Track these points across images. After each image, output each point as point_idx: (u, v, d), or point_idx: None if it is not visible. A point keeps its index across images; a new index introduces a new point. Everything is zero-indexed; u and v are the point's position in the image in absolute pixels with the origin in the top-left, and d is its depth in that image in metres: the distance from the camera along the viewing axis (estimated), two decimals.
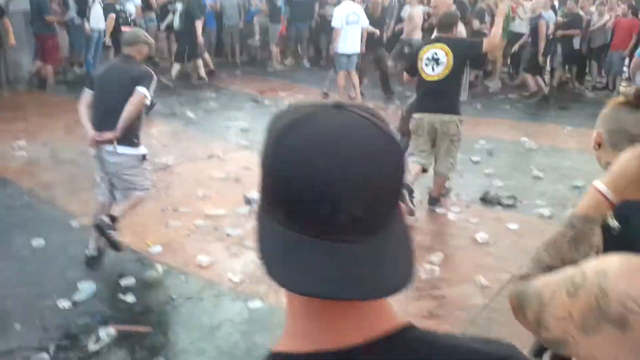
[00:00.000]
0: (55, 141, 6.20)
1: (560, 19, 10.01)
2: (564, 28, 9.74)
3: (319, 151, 0.57)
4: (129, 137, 3.56)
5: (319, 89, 8.87)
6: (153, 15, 10.46)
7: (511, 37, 10.05)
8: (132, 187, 3.70)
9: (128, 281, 3.52)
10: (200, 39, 9.11)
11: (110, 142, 3.49)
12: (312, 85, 9.44)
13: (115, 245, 3.65)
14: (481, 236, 4.28)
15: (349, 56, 7.89)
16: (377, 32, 8.51)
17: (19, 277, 3.53)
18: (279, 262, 0.59)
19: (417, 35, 8.70)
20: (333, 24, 7.92)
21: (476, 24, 9.04)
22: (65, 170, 5.37)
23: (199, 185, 5.23)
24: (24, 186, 4.91)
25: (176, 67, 9.06)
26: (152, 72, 3.69)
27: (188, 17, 8.91)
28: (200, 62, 9.37)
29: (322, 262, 0.57)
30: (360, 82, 8.49)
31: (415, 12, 8.97)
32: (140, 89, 3.49)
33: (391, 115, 8.23)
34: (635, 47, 8.99)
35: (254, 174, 5.45)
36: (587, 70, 10.84)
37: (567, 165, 6.12)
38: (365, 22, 7.99)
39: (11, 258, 3.76)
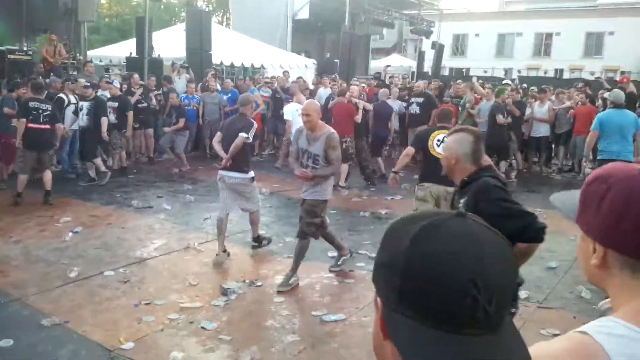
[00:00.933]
0: (27, 239, 6.11)
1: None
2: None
3: (458, 253, 0.63)
4: (240, 164, 5.57)
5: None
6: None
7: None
8: (246, 198, 5.71)
9: None
10: (105, 136, 8.98)
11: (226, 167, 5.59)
12: (287, 176, 9.60)
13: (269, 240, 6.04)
14: None
15: None
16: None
17: None
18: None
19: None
20: (285, 117, 9.18)
21: (500, 118, 9.62)
22: (36, 269, 5.25)
23: (174, 278, 5.15)
24: None
25: (91, 166, 8.96)
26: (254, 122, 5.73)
27: (96, 115, 8.83)
28: (97, 161, 8.99)
29: (474, 354, 0.62)
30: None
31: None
32: (242, 134, 5.47)
33: (368, 201, 8.45)
34: None
35: (231, 265, 5.42)
36: (553, 155, 11.39)
37: (540, 247, 6.20)
38: None
39: None
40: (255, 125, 5.76)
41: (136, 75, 11.27)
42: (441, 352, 0.62)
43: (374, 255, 5.75)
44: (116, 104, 9.49)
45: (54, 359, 3.63)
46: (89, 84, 9.08)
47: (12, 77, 10.48)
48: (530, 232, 2.57)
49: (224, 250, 5.61)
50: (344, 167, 8.86)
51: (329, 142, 4.67)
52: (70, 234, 6.21)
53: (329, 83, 12.58)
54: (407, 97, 11.59)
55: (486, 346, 0.62)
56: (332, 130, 4.85)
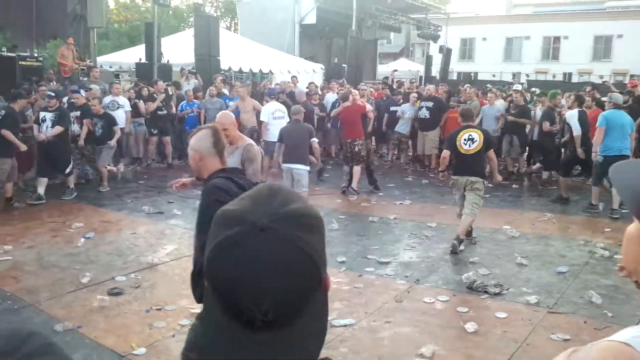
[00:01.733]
0: (41, 245, 6.18)
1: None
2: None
3: (241, 280, 0.72)
4: (305, 159, 7.25)
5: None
6: (142, 120, 10.81)
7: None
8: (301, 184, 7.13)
9: None
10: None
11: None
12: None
13: None
14: (470, 326, 4.26)
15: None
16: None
17: None
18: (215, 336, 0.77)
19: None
20: (261, 118, 9.54)
21: (546, 125, 9.57)
22: (49, 275, 5.32)
23: (184, 283, 5.19)
24: (7, 290, 4.83)
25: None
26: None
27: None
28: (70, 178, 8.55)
29: (244, 347, 0.74)
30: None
31: None
32: (314, 140, 7.42)
33: (377, 206, 8.47)
34: None
35: None
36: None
37: (550, 252, 6.21)
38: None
39: None
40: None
41: (160, 82, 11.31)
42: (233, 345, 0.74)
43: (383, 260, 5.79)
44: (78, 113, 8.89)
45: None
46: (52, 94, 8.47)
47: (22, 83, 10.59)
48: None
49: None
50: (357, 170, 8.89)
51: (246, 154, 4.14)
52: (83, 239, 6.27)
53: (337, 88, 12.64)
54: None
55: (264, 343, 0.73)
56: (251, 141, 4.32)
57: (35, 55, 14.35)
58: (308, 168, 7.38)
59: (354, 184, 8.97)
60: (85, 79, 12.10)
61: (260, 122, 9.68)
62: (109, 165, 9.25)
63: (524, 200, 9.12)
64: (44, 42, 17.01)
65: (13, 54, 13.56)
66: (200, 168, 2.84)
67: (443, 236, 6.85)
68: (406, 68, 26.53)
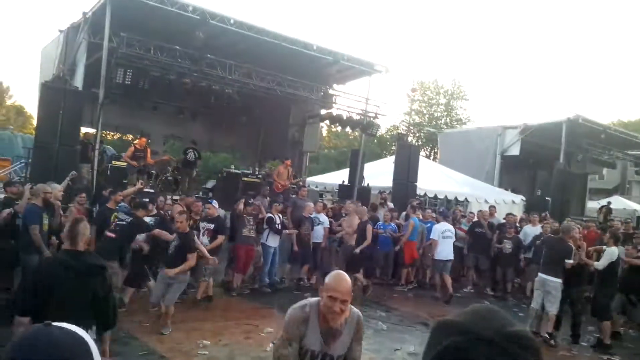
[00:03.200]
0: (235, 345, 6.66)
1: None
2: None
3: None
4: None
5: None
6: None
7: None
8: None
9: None
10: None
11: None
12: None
13: None
14: None
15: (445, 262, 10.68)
16: None
17: None
18: None
19: None
20: (431, 236, 10.90)
21: None
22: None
23: None
24: None
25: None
26: None
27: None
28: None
29: None
30: None
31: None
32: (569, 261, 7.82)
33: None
34: None
35: None
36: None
37: None
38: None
39: None
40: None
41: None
42: None
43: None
44: (212, 226, 8.88)
45: None
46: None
47: (246, 194, 12.07)
48: None
49: None
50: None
51: (359, 327, 3.09)
52: (272, 344, 6.60)
53: (538, 221, 11.97)
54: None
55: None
56: (357, 310, 3.15)
57: (256, 172, 16.38)
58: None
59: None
60: (294, 196, 13.35)
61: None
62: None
63: None
64: (264, 162, 19.42)
65: (239, 171, 15.73)
66: None
67: None
68: (621, 206, 24.14)
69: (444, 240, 10.63)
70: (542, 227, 11.41)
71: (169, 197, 11.27)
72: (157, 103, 17.51)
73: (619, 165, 25.18)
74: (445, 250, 10.61)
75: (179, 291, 7.20)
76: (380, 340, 7.60)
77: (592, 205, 24.38)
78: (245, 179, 15.13)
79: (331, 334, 2.98)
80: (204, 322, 7.48)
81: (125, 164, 13.13)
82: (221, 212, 9.82)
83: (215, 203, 9.44)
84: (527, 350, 0.77)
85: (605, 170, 28.75)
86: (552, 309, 7.85)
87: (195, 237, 7.79)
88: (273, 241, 10.03)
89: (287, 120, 18.86)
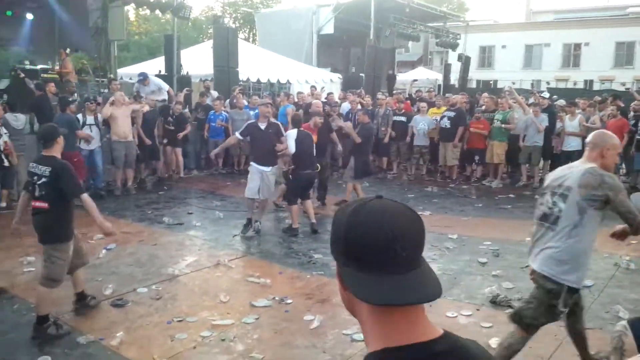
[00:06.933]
0: None
1: None
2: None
3: (382, 221, 0.94)
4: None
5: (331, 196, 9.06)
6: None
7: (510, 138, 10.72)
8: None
9: None
10: None
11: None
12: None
13: None
14: (495, 342, 4.18)
15: None
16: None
17: None
18: (372, 293, 0.92)
19: None
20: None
21: None
22: (71, 286, 5.35)
23: (205, 295, 5.20)
24: (31, 302, 4.87)
25: None
26: None
27: None
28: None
29: (399, 285, 0.92)
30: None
31: None
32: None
33: None
34: (628, 145, 9.33)
35: (261, 281, 5.44)
36: None
37: None
38: None
39: None
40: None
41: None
42: (377, 287, 0.91)
43: None
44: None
45: None
46: None
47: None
48: None
49: None
50: None
51: None
52: (104, 251, 6.33)
53: (351, 98, 12.68)
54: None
55: (407, 280, 0.92)
56: None
57: (57, 67, 14.60)
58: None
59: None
60: (106, 90, 12.27)
61: None
62: None
63: None
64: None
65: (36, 67, 13.82)
66: None
67: (464, 248, 6.77)
68: (424, 76, 26.43)
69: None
70: (351, 103, 12.21)
71: None
72: None
73: (422, 37, 27.13)
74: None
75: None
76: (218, 228, 7.71)
77: (401, 77, 26.28)
78: (45, 75, 13.43)
79: None
80: (23, 238, 6.84)
81: None
82: (21, 117, 8.74)
83: None
84: None
85: (410, 44, 30.84)
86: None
87: None
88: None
89: (84, 4, 16.72)
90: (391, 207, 0.97)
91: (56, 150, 4.45)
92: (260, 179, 7.17)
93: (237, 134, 7.53)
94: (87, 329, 4.38)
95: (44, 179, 4.31)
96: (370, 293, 0.92)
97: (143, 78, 11.54)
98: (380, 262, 0.92)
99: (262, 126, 7.28)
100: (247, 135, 7.37)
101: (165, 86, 12.02)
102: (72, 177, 4.38)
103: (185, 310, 4.82)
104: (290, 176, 7.47)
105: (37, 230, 4.44)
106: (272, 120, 7.56)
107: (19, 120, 8.78)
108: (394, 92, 15.80)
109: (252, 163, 7.39)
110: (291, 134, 7.30)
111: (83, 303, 4.79)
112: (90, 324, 4.52)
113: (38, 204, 4.36)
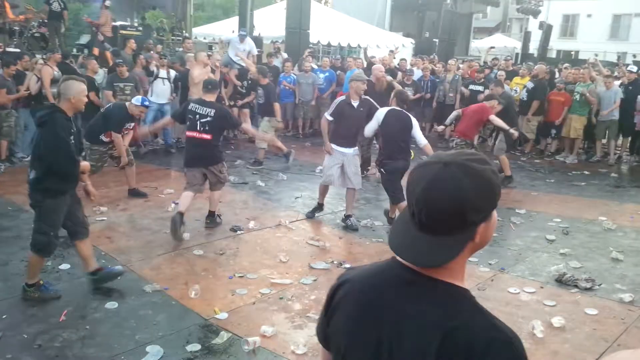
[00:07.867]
0: (133, 208, 6.54)
1: None
2: None
3: (413, 184, 1.10)
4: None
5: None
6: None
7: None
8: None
9: (193, 347, 3.56)
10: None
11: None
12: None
13: None
14: (557, 321, 4.04)
15: None
16: None
17: (89, 338, 3.64)
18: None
19: None
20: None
21: None
22: (141, 237, 5.61)
23: (265, 254, 5.31)
24: (102, 250, 5.15)
25: None
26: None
27: None
28: None
29: (405, 237, 1.12)
30: None
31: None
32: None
33: None
34: None
35: (320, 245, 5.48)
36: None
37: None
38: None
39: (82, 319, 3.90)
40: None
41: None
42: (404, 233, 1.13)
43: None
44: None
45: (154, 323, 3.86)
46: None
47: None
48: None
49: None
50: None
51: None
52: (173, 204, 6.56)
53: (422, 64, 12.30)
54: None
55: (417, 238, 1.09)
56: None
57: (135, 24, 15.02)
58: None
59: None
60: (180, 49, 12.51)
61: None
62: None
63: (622, 191, 8.49)
64: (143, 12, 17.74)
65: (116, 23, 14.25)
66: None
67: (532, 224, 6.54)
68: (502, 44, 25.30)
69: None
70: (423, 69, 11.97)
71: (38, 56, 10.10)
72: None
73: (501, 3, 25.89)
74: None
75: None
76: (281, 189, 7.81)
77: (477, 44, 25.30)
78: (124, 31, 13.84)
79: None
80: (96, 189, 7.18)
81: None
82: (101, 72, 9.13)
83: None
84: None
85: (488, 9, 29.52)
86: None
87: None
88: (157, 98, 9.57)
89: None
90: (436, 175, 1.09)
91: (214, 97, 5.97)
92: (342, 164, 6.20)
93: (327, 115, 6.31)
94: (153, 278, 4.59)
95: (208, 118, 5.61)
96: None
97: (244, 35, 11.70)
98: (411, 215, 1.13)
99: (355, 104, 6.22)
100: (338, 115, 6.21)
101: (255, 50, 12.14)
102: (231, 117, 6.22)
103: (246, 267, 4.95)
104: (382, 170, 6.17)
105: (199, 159, 5.72)
106: (365, 97, 6.35)
107: (99, 75, 9.26)
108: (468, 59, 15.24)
109: (332, 145, 6.27)
110: (378, 115, 6.07)
111: (212, 219, 5.99)
112: (156, 274, 4.73)
113: (204, 135, 5.64)
